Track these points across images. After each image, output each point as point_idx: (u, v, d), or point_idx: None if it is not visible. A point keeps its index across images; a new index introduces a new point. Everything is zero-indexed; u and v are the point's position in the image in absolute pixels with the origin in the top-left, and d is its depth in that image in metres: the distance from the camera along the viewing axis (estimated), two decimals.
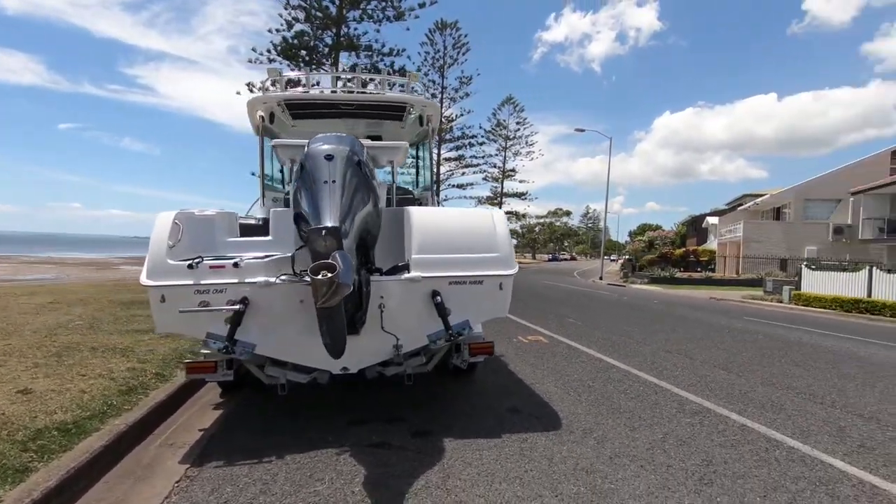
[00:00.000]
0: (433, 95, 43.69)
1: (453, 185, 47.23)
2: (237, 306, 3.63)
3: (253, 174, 27.00)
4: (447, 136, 45.11)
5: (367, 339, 3.87)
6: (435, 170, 45.26)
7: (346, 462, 3.41)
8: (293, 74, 6.16)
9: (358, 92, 6.37)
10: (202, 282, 3.63)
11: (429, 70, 42.02)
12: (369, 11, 26.35)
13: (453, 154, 46.46)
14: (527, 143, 54.62)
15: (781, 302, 18.95)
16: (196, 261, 3.68)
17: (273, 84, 6.41)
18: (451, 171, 46.85)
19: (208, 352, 4.42)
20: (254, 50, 25.74)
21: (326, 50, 26.48)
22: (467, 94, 42.67)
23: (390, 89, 6.60)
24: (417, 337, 4.03)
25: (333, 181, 3.34)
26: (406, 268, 4.05)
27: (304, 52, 26.03)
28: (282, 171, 7.99)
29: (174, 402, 4.63)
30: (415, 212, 4.35)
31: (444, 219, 4.40)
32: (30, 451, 3.12)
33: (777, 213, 31.90)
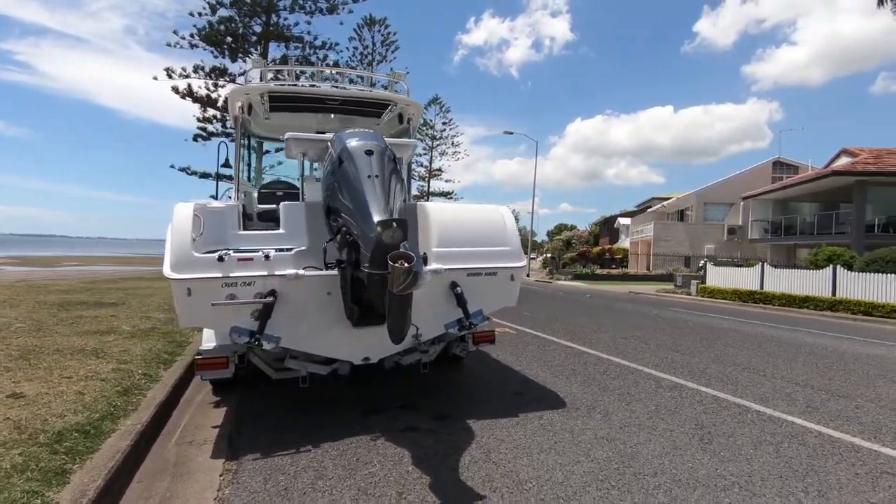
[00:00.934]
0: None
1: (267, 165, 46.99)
2: (269, 299, 3.63)
3: (185, 170, 25.27)
4: None
5: (385, 330, 4.01)
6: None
7: (384, 446, 3.55)
8: (284, 67, 6.02)
9: (343, 87, 6.37)
10: (231, 275, 3.59)
11: (357, 65, 41.37)
12: (301, 2, 25.57)
13: None
14: (453, 143, 55.37)
15: (690, 294, 21.05)
16: (225, 253, 3.63)
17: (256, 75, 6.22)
18: None
19: (209, 347, 4.35)
20: (175, 33, 24.06)
21: (255, 38, 25.34)
22: (397, 92, 42.48)
23: (372, 86, 6.65)
24: (435, 326, 4.23)
25: (377, 175, 3.46)
26: (424, 260, 4.23)
27: (230, 39, 24.72)
28: (249, 165, 7.74)
29: (171, 401, 4.47)
30: (431, 207, 4.54)
31: (459, 214, 4.63)
32: (59, 454, 2.96)
33: (681, 215, 35.22)
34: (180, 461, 3.40)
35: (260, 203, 6.62)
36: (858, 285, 15.65)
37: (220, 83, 25.09)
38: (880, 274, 15.35)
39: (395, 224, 2.94)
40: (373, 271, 3.04)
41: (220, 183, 7.88)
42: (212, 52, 24.90)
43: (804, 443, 3.64)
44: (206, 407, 4.52)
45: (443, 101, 51.94)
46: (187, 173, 25.37)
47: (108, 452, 3.14)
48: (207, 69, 24.48)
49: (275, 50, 26.24)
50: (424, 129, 55.20)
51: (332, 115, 7.24)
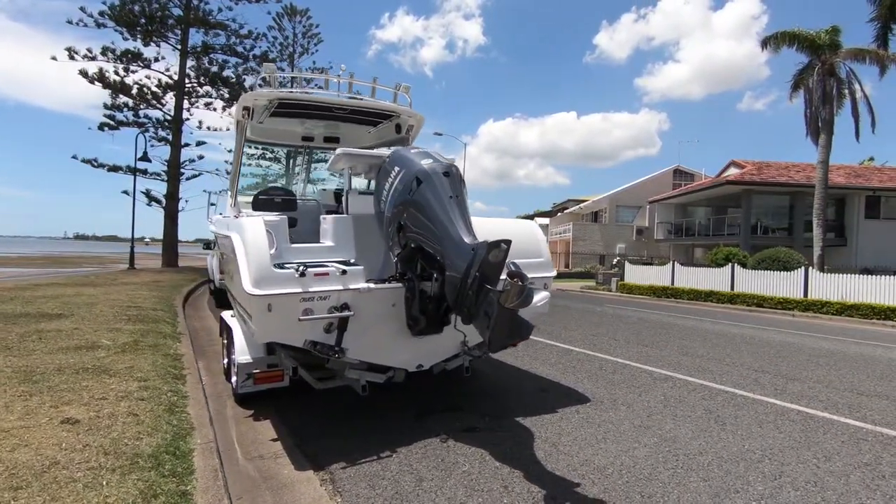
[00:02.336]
0: (281, 85, 41.34)
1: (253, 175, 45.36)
2: (346, 312, 3.75)
3: (91, 162, 22.83)
4: None
5: (439, 338, 4.28)
6: None
7: (457, 447, 3.82)
8: (293, 74, 5.92)
9: (348, 96, 6.41)
10: (309, 289, 3.67)
11: (277, 57, 39.71)
12: None
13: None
14: None
15: (611, 291, 22.97)
16: (303, 268, 3.70)
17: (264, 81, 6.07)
18: (300, 165, 44.84)
19: (246, 360, 4.34)
20: (82, 10, 21.64)
21: (173, 22, 23.51)
22: (320, 88, 41.33)
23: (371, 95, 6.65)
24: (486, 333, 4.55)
25: (457, 196, 3.73)
26: None
27: (144, 21, 22.74)
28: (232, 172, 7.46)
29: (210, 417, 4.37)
30: (477, 222, 4.84)
31: (503, 228, 4.97)
32: (167, 477, 2.92)
33: (595, 216, 38.03)
34: (268, 476, 3.43)
35: (256, 209, 6.48)
36: (751, 281, 18.09)
37: (133, 68, 23.04)
38: (768, 271, 17.90)
39: (503, 244, 3.24)
40: (515, 283, 3.19)
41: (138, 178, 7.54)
42: (121, 33, 22.76)
43: (792, 420, 4.47)
44: (245, 421, 4.46)
45: (363, 96, 51.11)
46: (93, 165, 23.00)
47: (206, 472, 3.13)
48: (118, 52, 22.34)
49: (195, 37, 24.57)
50: None
51: (321, 122, 7.24)
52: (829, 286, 16.10)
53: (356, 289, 3.85)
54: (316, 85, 6.65)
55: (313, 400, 4.81)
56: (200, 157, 26.10)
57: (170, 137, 24.21)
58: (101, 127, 23.25)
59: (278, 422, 4.40)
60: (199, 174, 25.08)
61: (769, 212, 26.70)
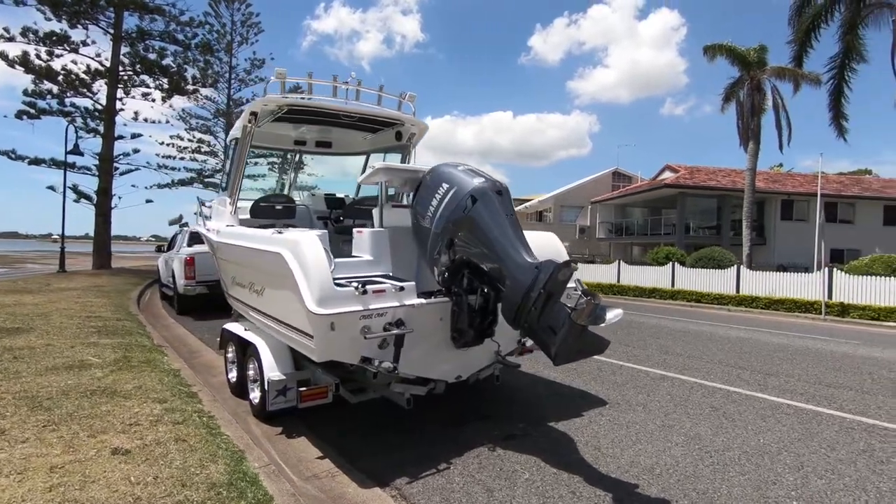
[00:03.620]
0: (218, 74, 39.49)
1: (245, 176, 43.39)
2: (402, 329, 3.78)
3: (8, 154, 20.65)
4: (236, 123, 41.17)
5: (476, 348, 4.42)
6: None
7: (507, 455, 3.97)
8: (299, 79, 5.76)
9: (352, 103, 6.32)
10: (369, 307, 3.68)
11: (215, 46, 37.71)
12: None
13: None
14: None
15: None
16: (363, 286, 3.69)
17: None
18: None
19: (277, 378, 4.26)
20: None
21: (103, 3, 21.69)
22: (262, 79, 39.70)
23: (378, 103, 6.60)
24: (511, 342, 4.72)
25: (511, 214, 3.88)
26: None
27: (69, 0, 20.83)
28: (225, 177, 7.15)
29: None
30: None
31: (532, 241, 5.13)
32: None
33: (540, 216, 39.27)
34: (336, 495, 3.42)
35: (255, 216, 6.28)
36: (690, 278, 19.53)
37: (58, 52, 21.05)
38: (705, 269, 19.41)
39: (572, 265, 3.42)
40: (591, 301, 3.31)
41: (65, 173, 7.13)
42: (44, 14, 20.71)
43: (786, 413, 5.00)
44: (278, 439, 4.36)
45: (304, 90, 49.34)
46: (10, 157, 20.84)
47: (283, 497, 3.10)
48: (41, 34, 20.33)
49: (130, 21, 22.85)
50: None
51: (317, 127, 7.11)
52: (758, 283, 17.71)
53: (410, 305, 3.90)
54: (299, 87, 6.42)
55: (336, 415, 4.75)
56: (136, 151, 24.21)
57: (101, 129, 22.39)
58: (20, 115, 21.09)
59: (314, 438, 4.34)
60: (137, 168, 23.43)
61: (699, 213, 28.83)
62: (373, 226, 7.22)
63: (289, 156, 7.86)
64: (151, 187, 29.22)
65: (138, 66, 23.07)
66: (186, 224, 13.58)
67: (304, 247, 3.70)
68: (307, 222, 7.09)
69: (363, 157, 7.96)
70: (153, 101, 23.54)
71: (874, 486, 3.51)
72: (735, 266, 18.47)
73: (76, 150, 19.42)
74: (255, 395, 4.92)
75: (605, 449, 4.08)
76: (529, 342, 5.00)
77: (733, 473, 3.67)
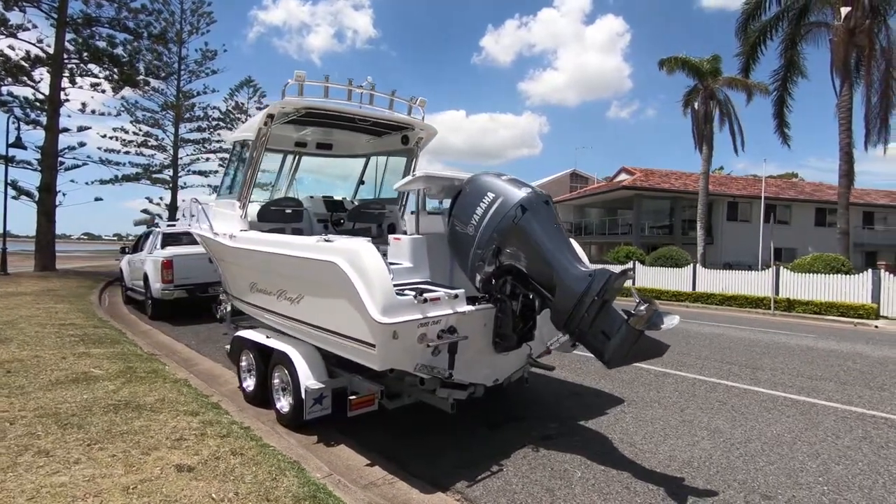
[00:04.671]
0: (159, 61, 37.62)
1: (195, 172, 41.57)
2: (456, 335, 3.85)
3: None
4: (186, 116, 39.42)
5: (512, 352, 4.56)
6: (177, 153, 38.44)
7: (551, 455, 4.13)
8: (316, 83, 5.65)
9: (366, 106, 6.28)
10: (427, 315, 3.73)
11: (163, 34, 35.87)
12: None
13: (196, 136, 40.80)
14: None
15: None
16: (422, 294, 3.73)
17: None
18: (191, 155, 41.07)
19: (316, 386, 4.23)
20: None
21: None
22: (214, 71, 38.17)
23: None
24: (541, 345, 4.88)
25: (558, 224, 4.03)
26: None
27: None
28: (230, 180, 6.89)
29: None
30: None
31: None
32: None
33: None
34: (399, 502, 3.45)
35: (263, 220, 6.14)
36: (650, 276, 20.48)
37: None
38: (663, 268, 20.43)
39: (628, 273, 3.60)
40: (651, 308, 3.48)
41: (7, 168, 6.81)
42: None
43: (786, 405, 5.44)
44: (317, 447, 4.31)
45: (257, 83, 47.58)
46: None
47: None
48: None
49: (74, 6, 21.38)
50: (235, 112, 50.08)
51: (318, 129, 7.02)
52: (712, 280, 18.81)
53: (462, 312, 3.97)
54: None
55: (365, 421, 4.72)
56: (82, 144, 22.68)
57: (44, 120, 20.84)
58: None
59: (354, 445, 4.33)
60: (85, 163, 21.99)
61: (653, 213, 30.24)
62: (382, 230, 7.24)
63: (288, 158, 7.68)
64: (93, 183, 27.53)
65: (85, 54, 21.64)
66: (157, 225, 12.96)
67: (363, 256, 3.70)
68: (308, 225, 6.99)
69: (358, 160, 7.94)
70: (103, 92, 22.15)
71: (885, 469, 3.92)
72: (691, 265, 19.54)
73: (18, 144, 18.02)
74: (282, 404, 4.84)
75: (640, 445, 4.31)
76: (555, 344, 5.20)
77: (762, 463, 3.99)
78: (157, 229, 11.79)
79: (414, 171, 7.25)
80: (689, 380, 6.37)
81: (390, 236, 4.85)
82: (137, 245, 12.93)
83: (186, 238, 11.63)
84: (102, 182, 29.05)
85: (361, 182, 8.03)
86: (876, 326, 13.45)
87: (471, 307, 4.06)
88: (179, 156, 40.04)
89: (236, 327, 6.96)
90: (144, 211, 37.71)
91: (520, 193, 4.03)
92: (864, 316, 14.44)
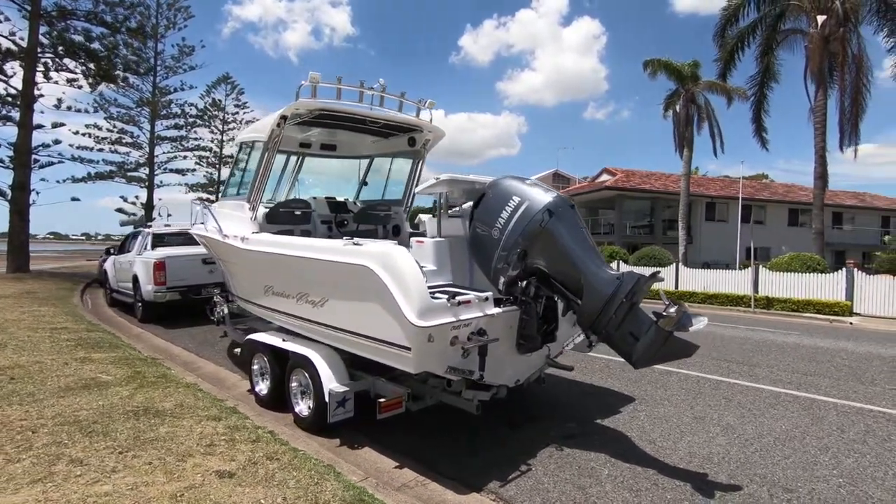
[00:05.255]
0: (138, 57, 36.66)
1: (172, 170, 40.63)
2: (486, 337, 3.90)
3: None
4: (163, 113, 38.51)
5: (533, 354, 4.63)
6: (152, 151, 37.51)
7: (576, 454, 4.22)
8: (329, 85, 5.60)
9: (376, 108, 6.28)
10: (460, 318, 3.77)
11: (140, 28, 34.97)
12: None
13: (173, 133, 39.87)
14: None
15: None
16: (455, 298, 3.77)
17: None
18: (168, 153, 40.10)
19: (340, 389, 4.23)
20: None
21: None
22: (192, 67, 37.39)
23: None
24: (559, 346, 4.97)
25: (584, 227, 4.13)
26: None
27: None
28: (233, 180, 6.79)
29: None
30: None
31: None
32: None
33: None
34: (435, 502, 3.49)
35: (272, 221, 6.08)
36: None
37: None
38: (647, 267, 20.85)
39: (657, 276, 3.71)
40: (680, 309, 3.59)
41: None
42: None
43: (788, 401, 5.65)
44: (341, 450, 4.32)
45: (235, 80, 46.70)
46: None
47: None
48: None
49: None
50: (213, 110, 49.18)
51: (323, 130, 6.99)
52: (694, 279, 19.30)
53: (491, 314, 4.03)
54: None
55: (384, 424, 4.72)
56: (57, 142, 21.93)
57: (16, 116, 20.11)
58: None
59: (378, 447, 4.34)
60: (61, 161, 21.29)
61: (634, 213, 30.80)
62: (387, 231, 7.24)
63: (291, 158, 7.60)
64: (65, 181, 26.72)
65: (60, 48, 20.94)
66: (147, 225, 12.67)
67: (398, 259, 3.72)
68: (312, 227, 6.95)
69: (356, 160, 7.93)
70: (80, 87, 21.49)
71: (893, 461, 4.12)
72: (674, 264, 19.99)
73: None
74: (301, 407, 4.82)
75: (658, 442, 4.44)
76: (570, 344, 5.29)
77: (778, 458, 4.15)
78: (146, 230, 11.53)
79: (420, 172, 7.29)
80: (692, 377, 6.55)
81: (412, 239, 4.87)
82: (123, 246, 12.60)
83: (177, 239, 11.44)
84: (75, 180, 28.22)
85: (364, 183, 8.01)
86: (851, 323, 13.96)
87: (498, 309, 4.11)
88: (156, 153, 39.15)
89: (235, 330, 6.89)
90: (119, 210, 36.72)
91: (546, 197, 4.11)
92: (838, 313, 14.97)
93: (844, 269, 16.19)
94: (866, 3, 18.59)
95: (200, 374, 6.46)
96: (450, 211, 5.01)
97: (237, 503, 2.84)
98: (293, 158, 7.75)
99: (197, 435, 3.84)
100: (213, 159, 49.16)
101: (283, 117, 5.44)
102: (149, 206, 37.42)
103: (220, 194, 7.02)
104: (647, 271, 20.15)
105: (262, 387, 5.42)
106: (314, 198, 7.58)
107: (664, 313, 3.57)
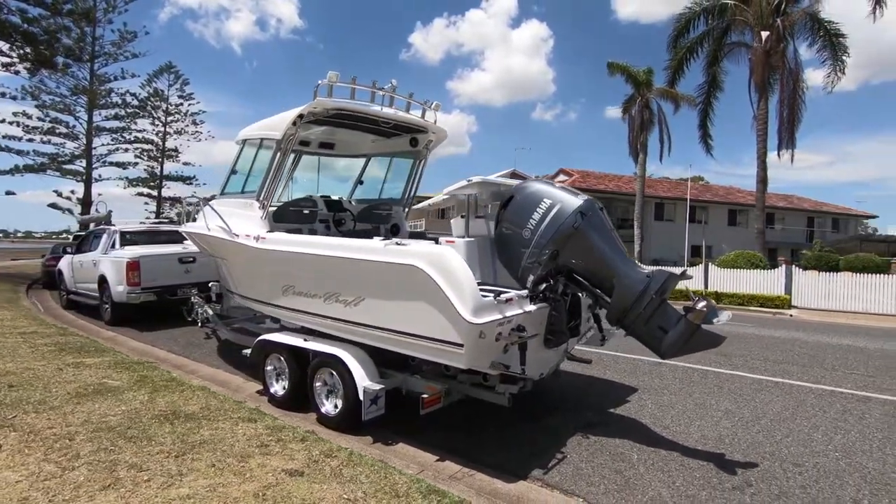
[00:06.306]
0: (79, 42, 34.41)
1: (111, 164, 38.29)
2: (526, 333, 4.10)
3: None
4: (102, 102, 36.25)
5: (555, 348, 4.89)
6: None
7: (602, 441, 4.49)
8: (352, 85, 5.59)
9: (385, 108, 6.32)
10: (505, 315, 3.95)
11: (74, 9, 32.73)
12: None
13: (113, 125, 37.57)
14: (194, 121, 48.06)
15: None
16: (501, 295, 3.94)
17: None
18: (107, 145, 37.77)
19: (375, 387, 4.31)
20: None
21: None
22: (136, 55, 35.38)
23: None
24: (574, 340, 5.25)
25: (612, 228, 4.41)
26: None
27: None
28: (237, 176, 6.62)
29: None
30: None
31: None
32: None
33: (442, 213, 40.35)
34: (491, 491, 3.65)
35: (280, 220, 6.02)
36: None
37: None
38: None
39: (685, 274, 4.03)
40: (709, 304, 3.91)
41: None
42: None
43: (770, 386, 6.21)
44: (377, 446, 4.40)
45: (178, 69, 44.48)
46: None
47: (472, 498, 3.28)
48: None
49: None
50: (155, 100, 46.77)
51: (324, 128, 6.97)
52: None
53: (528, 311, 4.23)
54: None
55: (407, 420, 4.82)
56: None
57: None
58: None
59: (412, 442, 4.42)
60: None
61: None
62: (386, 231, 7.29)
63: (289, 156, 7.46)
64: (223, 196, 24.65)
65: None
66: (112, 223, 12.01)
67: (450, 259, 3.84)
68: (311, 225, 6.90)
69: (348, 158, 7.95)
70: (17, 73, 19.90)
71: (874, 435, 4.67)
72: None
73: None
74: (327, 407, 4.83)
75: (672, 427, 4.80)
76: (583, 339, 5.59)
77: (779, 437, 4.60)
78: (112, 228, 10.93)
79: (421, 172, 7.38)
80: (680, 368, 7.04)
81: (442, 238, 4.99)
82: (82, 245, 11.86)
83: (147, 237, 10.92)
84: (1, 172, 26.15)
85: (360, 182, 8.01)
86: (791, 315, 15.20)
87: (534, 307, 4.32)
88: (94, 145, 36.77)
89: (230, 331, 6.77)
90: (53, 205, 34.28)
91: (577, 200, 4.36)
92: (779, 306, 16.26)
93: (784, 265, 17.62)
94: (801, 21, 20.25)
95: (200, 377, 6.29)
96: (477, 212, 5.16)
97: (321, 499, 2.89)
98: (290, 156, 7.63)
99: (242, 436, 3.82)
100: (156, 153, 46.67)
101: (300, 116, 5.40)
102: (86, 201, 35.12)
103: (219, 192, 6.81)
104: None
105: (278, 388, 5.37)
106: (311, 196, 7.51)
107: (694, 308, 3.89)
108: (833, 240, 33.64)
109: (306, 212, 6.33)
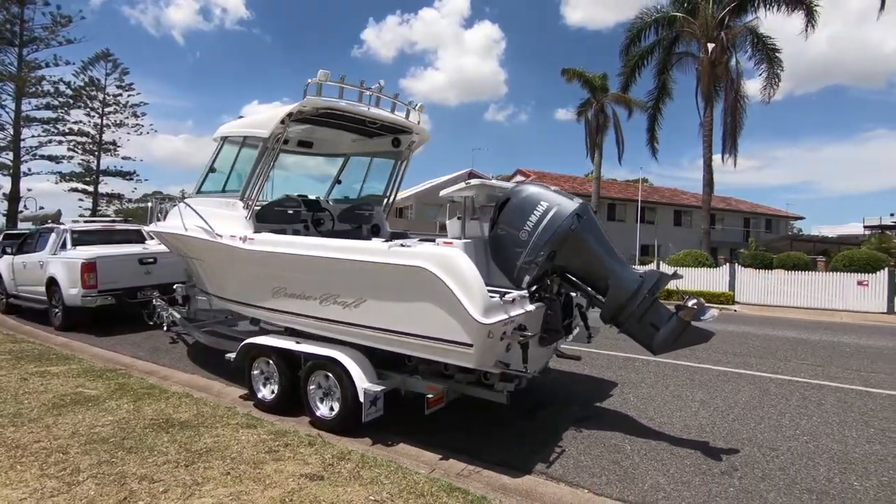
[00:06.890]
0: (9, 24, 31.96)
1: (42, 157, 35.74)
2: (528, 332, 4.23)
3: None
4: (31, 90, 33.82)
5: (546, 346, 5.07)
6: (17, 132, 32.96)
7: (596, 433, 4.69)
8: (341, 84, 5.52)
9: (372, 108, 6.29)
10: (510, 314, 4.06)
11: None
12: None
13: (45, 115, 35.09)
14: (135, 114, 45.41)
15: None
16: (507, 296, 4.04)
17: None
18: (38, 137, 35.25)
19: (375, 389, 4.33)
20: None
21: None
22: (70, 41, 33.19)
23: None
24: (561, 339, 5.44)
25: (604, 231, 4.61)
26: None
27: None
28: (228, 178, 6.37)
29: None
30: None
31: None
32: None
33: (400, 213, 40.18)
34: (500, 486, 3.75)
35: (264, 220, 5.89)
36: None
37: None
38: None
39: (677, 274, 4.28)
40: (700, 303, 4.16)
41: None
42: None
43: (735, 377, 6.65)
44: (380, 447, 4.41)
45: (117, 58, 41.97)
46: None
47: (491, 494, 3.37)
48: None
49: None
50: (90, 90, 43.92)
51: (303, 126, 6.87)
52: None
53: (528, 311, 4.36)
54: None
55: (403, 420, 4.87)
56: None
57: None
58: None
59: (413, 442, 4.47)
60: None
61: None
62: (367, 231, 7.26)
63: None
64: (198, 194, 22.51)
65: None
66: (62, 223, 11.25)
67: (459, 261, 3.90)
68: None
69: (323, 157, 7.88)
70: None
71: (834, 420, 5.12)
72: None
73: None
74: (322, 410, 4.78)
75: (656, 419, 5.07)
76: (570, 338, 5.79)
77: (753, 423, 4.96)
78: (62, 226, 10.24)
79: (404, 173, 7.38)
80: (653, 362, 7.40)
81: (439, 240, 5.03)
82: (23, 245, 11.04)
83: (101, 237, 10.32)
84: None
85: (338, 181, 7.92)
86: (735, 310, 16.19)
87: (533, 307, 4.45)
88: (22, 136, 34.23)
89: (203, 334, 6.56)
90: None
91: (573, 203, 4.53)
92: (724, 302, 17.28)
93: (726, 264, 18.77)
94: (742, 35, 21.62)
95: (178, 383, 6.04)
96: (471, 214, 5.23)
97: (350, 501, 2.89)
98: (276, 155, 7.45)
99: (247, 443, 3.73)
100: (92, 146, 43.86)
101: (289, 114, 5.31)
102: (13, 196, 32.67)
103: (194, 191, 6.54)
104: None
105: (266, 392, 5.25)
106: (288, 196, 7.36)
107: (685, 305, 4.14)
108: (766, 239, 36.08)
109: (290, 212, 6.21)
